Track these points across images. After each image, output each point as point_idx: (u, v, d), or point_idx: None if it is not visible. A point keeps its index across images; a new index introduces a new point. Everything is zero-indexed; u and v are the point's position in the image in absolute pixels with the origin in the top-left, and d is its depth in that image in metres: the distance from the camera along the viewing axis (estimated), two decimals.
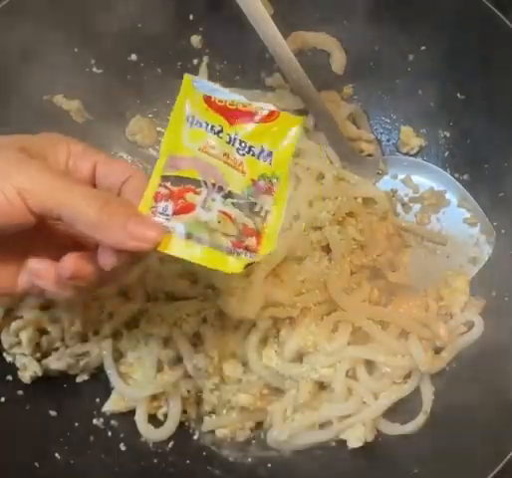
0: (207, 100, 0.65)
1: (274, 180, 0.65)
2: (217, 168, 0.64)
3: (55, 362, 0.90)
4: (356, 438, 0.87)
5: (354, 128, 1.03)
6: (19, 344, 0.89)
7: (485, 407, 0.83)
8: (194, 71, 1.03)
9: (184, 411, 0.91)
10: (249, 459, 0.91)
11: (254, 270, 0.88)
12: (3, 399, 0.86)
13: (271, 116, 0.66)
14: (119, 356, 0.92)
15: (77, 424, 0.89)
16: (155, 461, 0.90)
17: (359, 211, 0.95)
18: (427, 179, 1.02)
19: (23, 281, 0.68)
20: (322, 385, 0.90)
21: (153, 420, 0.91)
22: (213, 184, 0.63)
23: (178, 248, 0.61)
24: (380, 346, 0.89)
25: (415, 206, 1.02)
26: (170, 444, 0.91)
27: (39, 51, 0.91)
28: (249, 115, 0.65)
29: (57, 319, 0.91)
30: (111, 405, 0.91)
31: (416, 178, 1.03)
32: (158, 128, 1.05)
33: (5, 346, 0.89)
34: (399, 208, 1.02)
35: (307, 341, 0.88)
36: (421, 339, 0.89)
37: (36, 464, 0.83)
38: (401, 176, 1.03)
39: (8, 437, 0.84)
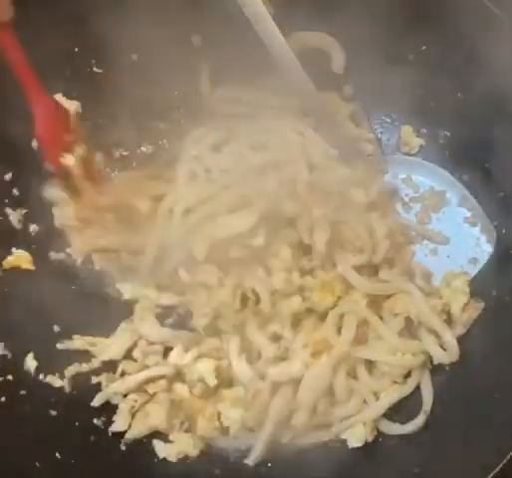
0: None
1: None
2: None
3: None
4: (356, 438, 0.87)
5: (354, 128, 1.03)
6: None
7: (485, 407, 0.83)
8: (194, 70, 1.03)
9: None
10: None
11: None
12: (3, 399, 0.86)
13: None
14: None
15: (77, 424, 0.89)
16: (156, 461, 0.90)
17: (360, 210, 0.95)
18: (428, 179, 1.02)
19: None
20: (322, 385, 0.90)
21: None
22: None
23: None
24: (379, 344, 0.89)
25: (416, 206, 1.02)
26: None
27: (39, 50, 0.91)
28: None
29: None
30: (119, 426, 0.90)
31: (417, 178, 1.03)
32: None
33: None
34: (400, 208, 1.02)
35: (312, 337, 0.89)
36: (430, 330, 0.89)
37: (36, 464, 0.83)
38: (402, 176, 1.03)
39: (8, 437, 0.84)
